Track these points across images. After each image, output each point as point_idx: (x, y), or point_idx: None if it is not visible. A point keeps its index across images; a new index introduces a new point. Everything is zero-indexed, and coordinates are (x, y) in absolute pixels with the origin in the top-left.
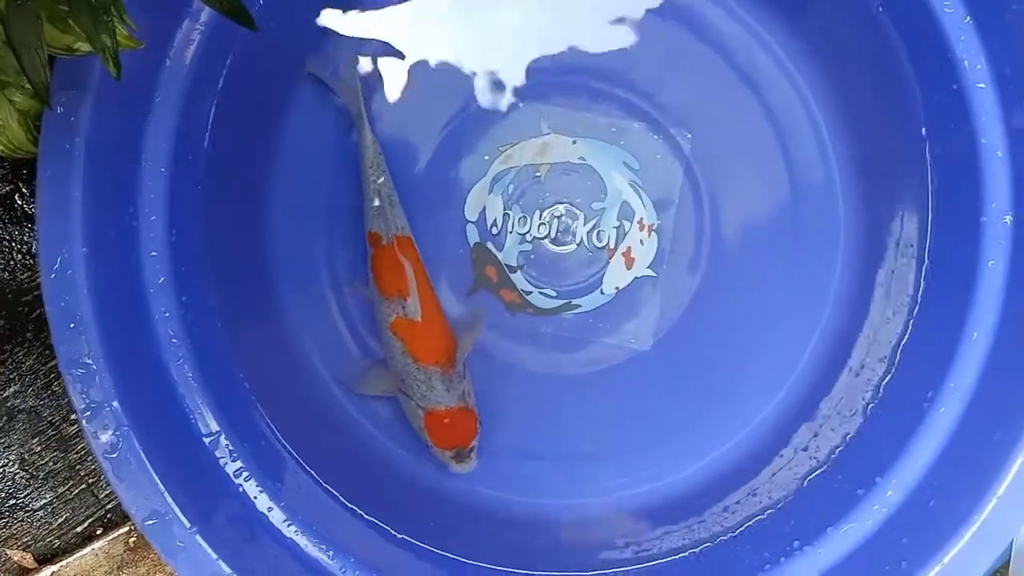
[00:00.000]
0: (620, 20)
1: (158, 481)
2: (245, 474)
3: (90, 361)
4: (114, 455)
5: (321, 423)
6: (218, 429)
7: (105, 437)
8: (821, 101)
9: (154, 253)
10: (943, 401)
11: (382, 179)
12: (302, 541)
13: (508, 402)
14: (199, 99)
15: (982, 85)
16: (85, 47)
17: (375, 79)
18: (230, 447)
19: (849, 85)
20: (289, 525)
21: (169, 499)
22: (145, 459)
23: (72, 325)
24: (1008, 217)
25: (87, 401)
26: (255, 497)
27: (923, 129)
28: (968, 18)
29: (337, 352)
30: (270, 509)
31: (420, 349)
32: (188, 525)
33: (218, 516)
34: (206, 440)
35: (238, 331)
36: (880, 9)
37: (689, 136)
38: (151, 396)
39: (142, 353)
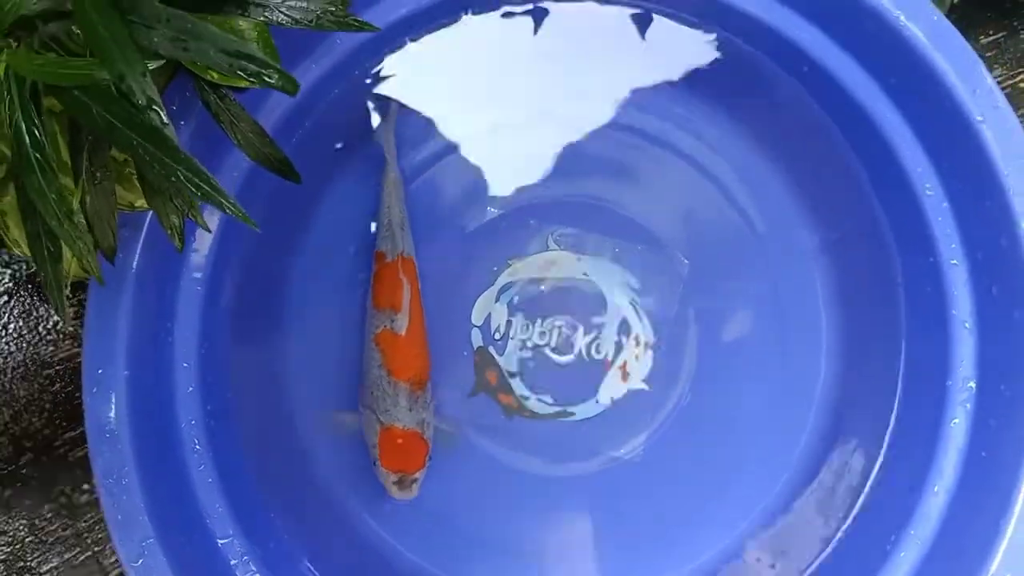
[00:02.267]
0: (630, 154)
1: None
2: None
3: (123, 475)
4: (138, 564)
5: (333, 530)
6: (232, 533)
7: (131, 547)
8: (814, 246)
9: (185, 365)
10: (904, 546)
11: (396, 208)
12: None
13: (499, 501)
14: (232, 233)
15: (954, 262)
16: (145, 205)
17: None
18: (243, 551)
19: (839, 238)
20: None
21: None
22: (168, 566)
23: (108, 436)
24: (972, 383)
25: (118, 513)
26: None
27: (901, 290)
28: (946, 202)
29: (348, 461)
30: None
31: (397, 363)
32: None
33: None
34: (220, 543)
35: (255, 439)
36: (869, 184)
37: (687, 262)
38: (174, 503)
39: (168, 460)
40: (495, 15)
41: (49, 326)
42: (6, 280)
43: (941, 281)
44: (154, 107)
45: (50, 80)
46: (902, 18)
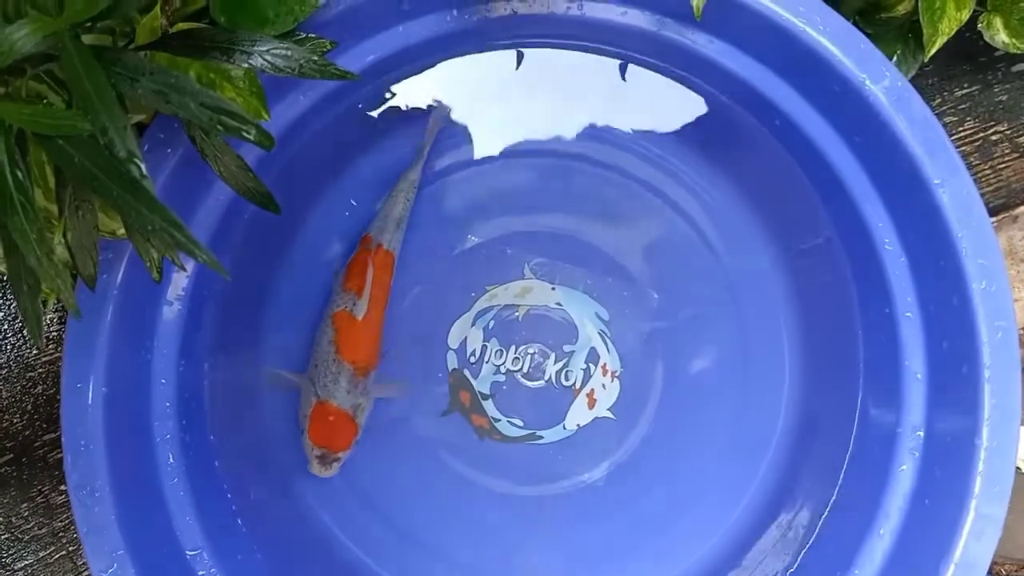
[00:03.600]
0: (605, 190)
1: None
2: None
3: (96, 488)
4: (107, 574)
5: (305, 546)
6: (201, 545)
7: (102, 558)
8: (782, 291)
9: (163, 381)
10: None
11: (401, 204)
12: None
13: (466, 518)
14: (216, 252)
15: (909, 314)
16: (124, 233)
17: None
18: (211, 563)
19: (806, 285)
20: None
21: None
22: None
23: (82, 449)
24: (920, 432)
25: (89, 524)
26: None
27: (859, 336)
28: (903, 257)
29: (322, 479)
30: None
31: (347, 344)
32: None
33: None
34: (189, 555)
35: (228, 454)
36: (835, 233)
37: (656, 297)
38: (145, 515)
39: (142, 473)
40: (476, 55)
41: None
42: None
43: (895, 332)
44: (134, 160)
45: (35, 129)
46: (867, 81)
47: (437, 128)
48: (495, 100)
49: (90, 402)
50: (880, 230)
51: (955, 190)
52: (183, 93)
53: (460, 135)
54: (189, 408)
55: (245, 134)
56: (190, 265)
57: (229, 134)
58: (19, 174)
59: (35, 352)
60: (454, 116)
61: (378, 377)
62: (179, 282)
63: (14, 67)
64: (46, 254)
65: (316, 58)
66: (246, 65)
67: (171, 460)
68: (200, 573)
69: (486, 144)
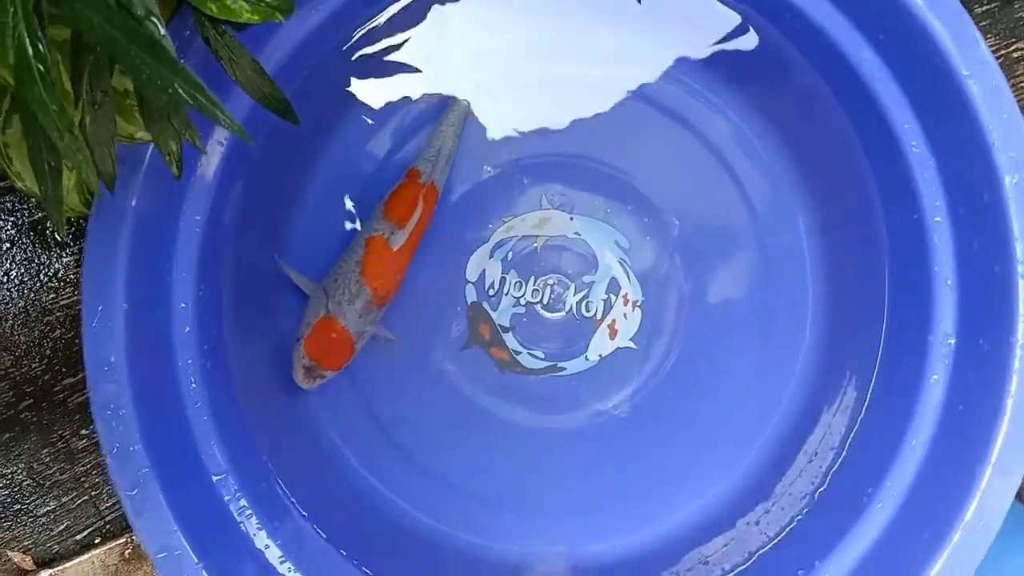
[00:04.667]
0: (624, 117)
1: (172, 519)
2: (247, 512)
3: (121, 406)
4: (133, 492)
5: (321, 474)
6: (226, 470)
7: (127, 476)
8: (803, 209)
9: (183, 305)
10: (881, 498)
11: (451, 139)
12: None
13: (490, 452)
14: (230, 176)
15: (938, 219)
16: (145, 136)
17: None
18: (236, 487)
19: (828, 199)
20: (283, 562)
21: (181, 537)
22: (162, 498)
23: (106, 369)
24: (952, 339)
25: (114, 443)
26: (254, 535)
27: (886, 248)
28: (931, 159)
29: (341, 407)
30: (267, 547)
31: (373, 269)
32: (196, 561)
33: (222, 552)
34: (215, 479)
35: (248, 380)
36: (857, 139)
37: (677, 223)
38: (170, 438)
39: (165, 397)
40: None
41: (50, 273)
42: (8, 228)
43: (924, 237)
44: (152, 18)
45: None
46: None
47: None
48: (514, 23)
49: (111, 320)
50: (907, 132)
51: (985, 82)
52: None
53: (476, 61)
54: (210, 333)
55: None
56: (207, 183)
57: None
58: (39, 44)
59: (52, 296)
60: (467, 43)
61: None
62: (197, 201)
63: None
64: (67, 128)
65: None
66: None
67: (193, 385)
68: (225, 497)
69: (501, 70)
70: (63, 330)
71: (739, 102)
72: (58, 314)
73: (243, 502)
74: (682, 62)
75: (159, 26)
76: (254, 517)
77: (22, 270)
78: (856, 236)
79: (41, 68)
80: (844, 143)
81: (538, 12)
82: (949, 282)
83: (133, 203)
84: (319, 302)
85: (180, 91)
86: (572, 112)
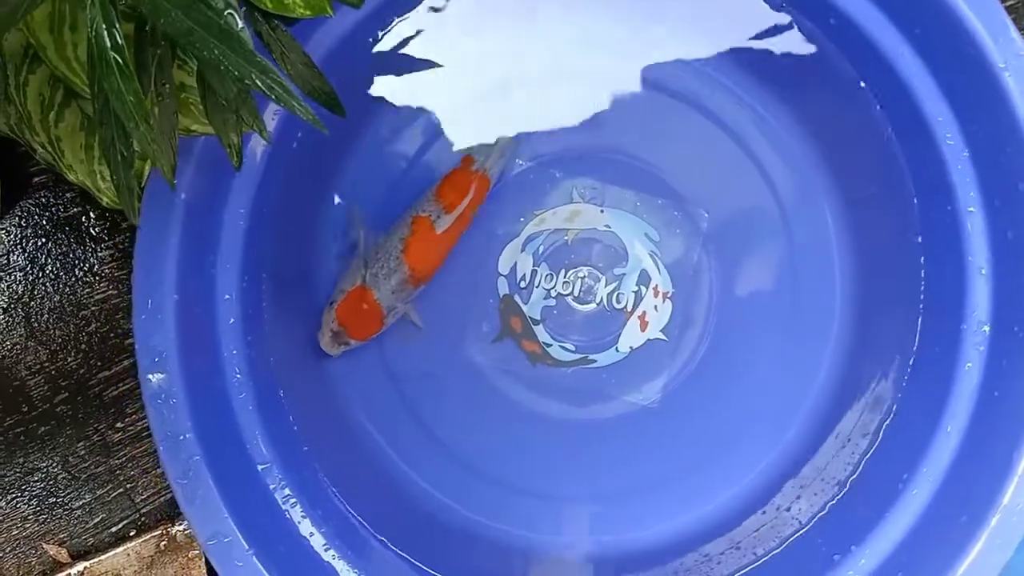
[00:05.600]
0: (652, 110)
1: (223, 507)
2: (292, 501)
3: (172, 396)
4: (185, 481)
5: (360, 465)
6: (270, 459)
7: (178, 464)
8: (832, 201)
9: (227, 297)
10: (916, 483)
11: (513, 143)
12: (339, 566)
13: (522, 444)
14: (273, 168)
15: (972, 209)
16: (200, 129)
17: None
18: (280, 476)
19: (859, 190)
20: (327, 550)
21: (232, 523)
22: (213, 486)
23: (157, 360)
24: (986, 327)
25: (166, 431)
26: (299, 522)
27: (919, 238)
28: (966, 151)
29: (376, 399)
30: (311, 535)
31: (415, 248)
32: (247, 547)
33: (270, 539)
34: (260, 468)
35: (290, 373)
36: (890, 131)
37: (706, 215)
38: (217, 427)
39: (212, 388)
40: None
41: (85, 268)
42: (43, 222)
43: (958, 228)
44: (230, 11)
45: None
46: None
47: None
48: (546, 15)
49: (162, 311)
50: (941, 125)
51: (1020, 74)
52: None
53: (505, 57)
54: (252, 325)
55: None
56: (252, 178)
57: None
58: (116, 34)
59: (87, 291)
60: (499, 37)
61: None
62: (241, 194)
63: None
64: (144, 118)
65: None
66: None
67: (238, 375)
68: (271, 485)
69: (531, 65)
70: (98, 324)
71: (769, 95)
72: (93, 308)
73: (287, 491)
74: (711, 55)
75: (237, 18)
76: (298, 506)
77: (57, 265)
78: (888, 226)
79: (119, 59)
80: (877, 134)
81: (572, 4)
82: (984, 271)
83: (183, 196)
84: (357, 270)
85: (258, 82)
86: (601, 106)
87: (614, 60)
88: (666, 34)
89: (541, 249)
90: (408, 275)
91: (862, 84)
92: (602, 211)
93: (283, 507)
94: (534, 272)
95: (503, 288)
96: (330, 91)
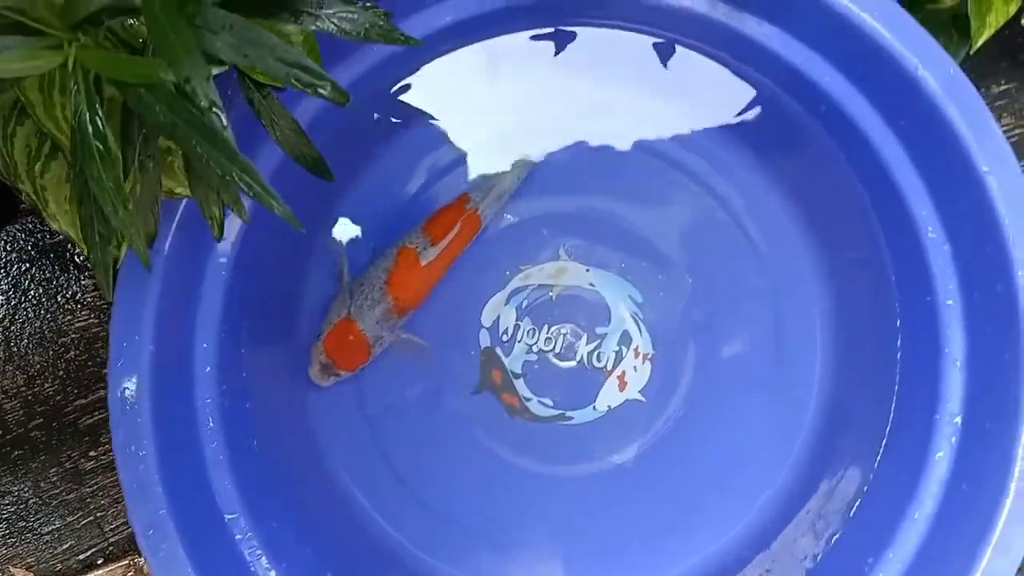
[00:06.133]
0: (642, 173)
1: (187, 560)
2: (258, 553)
3: (141, 447)
4: (150, 532)
5: (334, 517)
6: (238, 510)
7: (144, 516)
8: (816, 281)
9: (205, 345)
10: (882, 568)
11: (509, 181)
12: None
13: (497, 496)
14: (258, 228)
15: (950, 302)
16: (184, 192)
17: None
18: (248, 529)
19: (843, 273)
20: None
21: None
22: (178, 538)
23: (129, 409)
24: (958, 419)
25: (133, 482)
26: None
27: (897, 322)
28: (946, 244)
29: (353, 447)
30: None
31: (398, 279)
32: None
33: None
34: (227, 518)
35: (265, 422)
36: (875, 217)
37: (690, 281)
38: (186, 477)
39: (183, 436)
40: (523, 35)
41: (68, 295)
42: (28, 248)
43: (936, 319)
44: (215, 110)
45: (118, 76)
46: (920, 68)
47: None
48: (538, 81)
49: (137, 361)
50: (924, 218)
51: (1004, 177)
52: (260, 47)
53: (500, 115)
54: (228, 374)
55: (320, 90)
56: (235, 231)
57: (303, 88)
58: (98, 122)
59: (68, 318)
60: (492, 96)
61: (409, 327)
62: (224, 247)
63: (92, 17)
64: (122, 202)
65: (381, 22)
66: (313, 27)
67: (211, 424)
68: (237, 536)
69: (524, 125)
70: (77, 352)
71: (759, 169)
72: (73, 336)
73: (254, 543)
74: (700, 123)
75: (222, 117)
76: (263, 558)
77: (40, 290)
78: (868, 307)
79: (100, 147)
80: (863, 222)
81: (567, 68)
82: (959, 363)
83: (165, 251)
84: (343, 303)
85: (238, 180)
86: (593, 167)
87: (612, 124)
88: (663, 103)
89: (525, 304)
90: (392, 305)
91: (850, 169)
92: (588, 270)
93: (248, 559)
94: (517, 326)
95: (485, 340)
96: (317, 157)
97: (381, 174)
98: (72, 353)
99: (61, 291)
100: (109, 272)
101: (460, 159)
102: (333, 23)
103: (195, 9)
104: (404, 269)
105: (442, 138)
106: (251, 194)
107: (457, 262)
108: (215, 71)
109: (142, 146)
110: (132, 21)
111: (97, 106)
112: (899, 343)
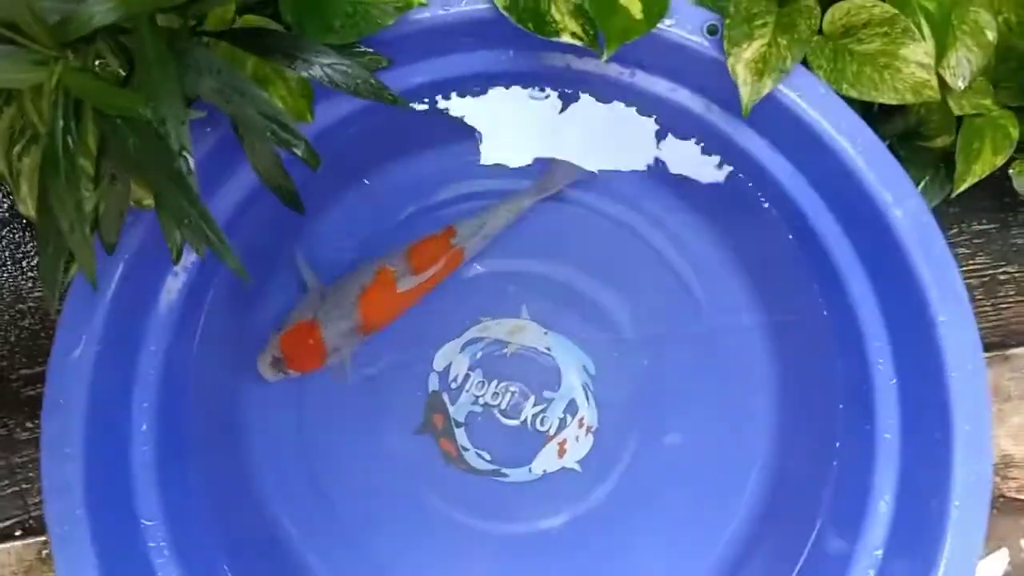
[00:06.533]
0: (613, 245)
1: (95, 561)
2: (169, 565)
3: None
4: (63, 528)
5: (254, 535)
6: (157, 518)
7: (61, 513)
8: (771, 390)
9: (152, 348)
10: None
11: (500, 220)
12: None
13: (418, 540)
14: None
15: (888, 435)
16: (150, 203)
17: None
18: (162, 537)
19: (796, 396)
20: None
21: None
22: (89, 539)
23: (63, 403)
24: (879, 551)
25: (56, 480)
26: None
27: (836, 444)
28: (894, 379)
29: (283, 468)
30: None
31: (371, 299)
32: None
33: None
34: (144, 524)
35: (200, 432)
36: (827, 347)
37: (646, 363)
38: (110, 478)
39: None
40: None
41: (33, 263)
42: (3, 210)
43: (872, 450)
44: (184, 154)
45: (99, 105)
46: (892, 207)
47: (563, 182)
48: (531, 138)
49: (80, 358)
50: (877, 349)
51: (959, 333)
52: (243, 96)
53: (489, 165)
54: (173, 385)
55: (295, 149)
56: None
57: (279, 144)
58: (70, 141)
59: (29, 286)
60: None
61: (365, 351)
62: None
63: (85, 37)
64: (79, 223)
65: (372, 80)
66: (305, 74)
67: (144, 428)
68: (150, 544)
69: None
70: (32, 320)
71: (726, 257)
72: (31, 304)
73: (166, 552)
74: (679, 207)
75: (189, 162)
76: (175, 570)
77: (6, 253)
78: (809, 425)
79: (68, 167)
80: (822, 345)
81: (547, 134)
82: (886, 499)
83: (124, 258)
84: (312, 304)
85: (195, 224)
86: (566, 232)
87: (587, 192)
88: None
89: (479, 355)
90: (359, 323)
91: (821, 300)
92: (546, 333)
93: (157, 570)
94: (467, 376)
95: (433, 384)
96: (292, 190)
97: (368, 197)
98: (27, 321)
99: (28, 258)
100: (56, 285)
101: (432, 206)
102: (325, 73)
103: (184, 46)
104: (379, 290)
105: (414, 185)
106: (205, 243)
107: (419, 304)
108: (193, 116)
109: (116, 162)
110: (123, 41)
111: (72, 125)
112: (834, 462)
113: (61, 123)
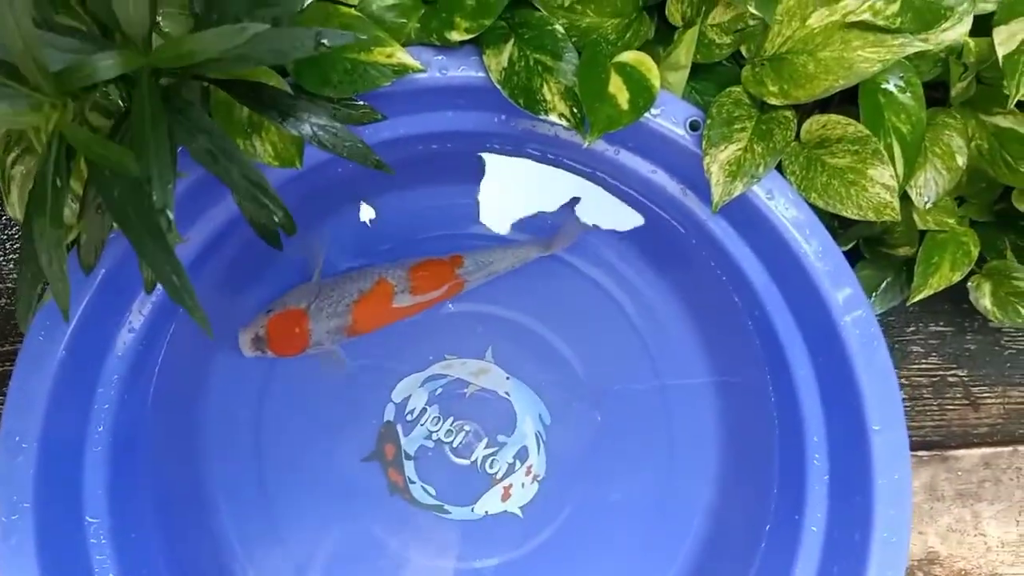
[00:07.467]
0: (582, 300)
1: (35, 556)
2: (108, 563)
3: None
4: (10, 518)
5: (198, 542)
6: (101, 516)
7: (7, 506)
8: (710, 463)
9: (119, 355)
10: None
11: (502, 263)
12: None
13: (355, 564)
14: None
15: (814, 528)
16: None
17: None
18: (104, 535)
19: (738, 477)
20: None
21: None
22: (32, 532)
23: (26, 400)
24: None
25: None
26: None
27: (767, 528)
28: (826, 475)
29: (233, 474)
30: None
31: (366, 306)
32: None
33: None
34: (88, 521)
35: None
36: (776, 442)
37: (599, 419)
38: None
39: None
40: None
41: (15, 246)
42: None
43: (797, 540)
44: (166, 212)
45: (89, 156)
46: (844, 317)
47: (572, 240)
48: (513, 197)
49: (45, 358)
50: (815, 444)
51: (890, 440)
52: (231, 161)
53: (468, 215)
54: (135, 386)
55: (274, 216)
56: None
57: (259, 208)
58: (58, 182)
59: (10, 267)
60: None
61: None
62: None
63: (88, 87)
64: (58, 260)
65: (360, 144)
66: (295, 132)
67: (100, 429)
68: (92, 541)
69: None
70: (7, 300)
71: (685, 328)
72: (10, 284)
73: (107, 550)
74: (653, 277)
75: (170, 220)
76: (112, 569)
77: None
78: (743, 511)
79: (54, 208)
80: (765, 434)
81: (528, 196)
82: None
83: (103, 269)
84: (309, 293)
85: (167, 278)
86: (543, 286)
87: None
88: (621, 244)
89: (439, 391)
90: (348, 325)
91: (769, 386)
92: (508, 378)
93: (96, 568)
94: (424, 410)
95: (389, 414)
96: (273, 229)
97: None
98: (3, 300)
99: (13, 240)
100: (31, 309)
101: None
102: (316, 133)
103: (181, 104)
104: (375, 300)
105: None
106: (175, 298)
107: (387, 331)
108: (180, 176)
109: (102, 192)
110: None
111: (62, 167)
112: (762, 546)
113: (52, 167)
